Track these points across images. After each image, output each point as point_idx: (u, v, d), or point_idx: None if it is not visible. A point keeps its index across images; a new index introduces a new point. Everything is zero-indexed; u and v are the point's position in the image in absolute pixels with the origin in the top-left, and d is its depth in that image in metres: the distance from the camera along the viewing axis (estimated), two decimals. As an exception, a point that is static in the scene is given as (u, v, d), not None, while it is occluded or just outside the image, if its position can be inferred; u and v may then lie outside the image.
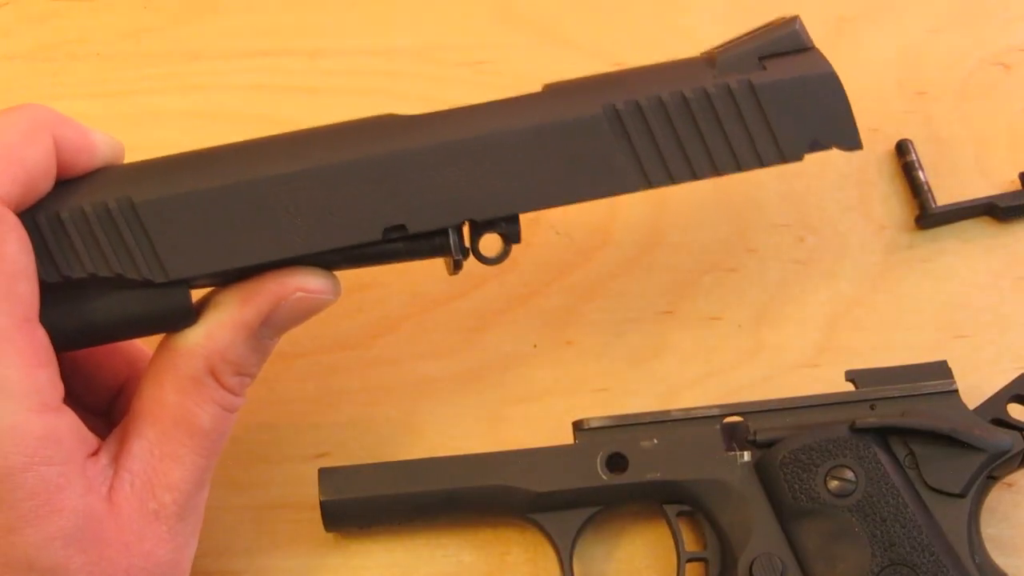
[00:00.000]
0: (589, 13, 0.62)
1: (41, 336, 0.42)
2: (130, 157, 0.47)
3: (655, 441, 0.50)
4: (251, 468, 0.54)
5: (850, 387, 0.52)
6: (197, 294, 0.46)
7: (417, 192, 0.45)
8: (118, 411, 0.48)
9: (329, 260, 0.45)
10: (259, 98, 0.60)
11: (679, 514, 0.51)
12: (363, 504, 0.51)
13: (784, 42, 0.47)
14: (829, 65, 0.47)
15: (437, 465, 0.51)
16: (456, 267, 0.47)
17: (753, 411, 0.51)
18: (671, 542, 0.51)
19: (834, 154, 0.58)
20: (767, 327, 0.56)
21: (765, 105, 0.46)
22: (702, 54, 0.48)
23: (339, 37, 0.62)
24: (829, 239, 0.58)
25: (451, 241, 0.46)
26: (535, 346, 0.56)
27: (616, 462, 0.50)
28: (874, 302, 0.56)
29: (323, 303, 0.46)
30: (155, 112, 0.60)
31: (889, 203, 0.58)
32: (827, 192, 0.58)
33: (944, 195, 0.57)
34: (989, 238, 0.57)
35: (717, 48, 0.48)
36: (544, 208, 0.46)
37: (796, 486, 0.49)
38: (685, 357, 0.55)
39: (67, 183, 0.44)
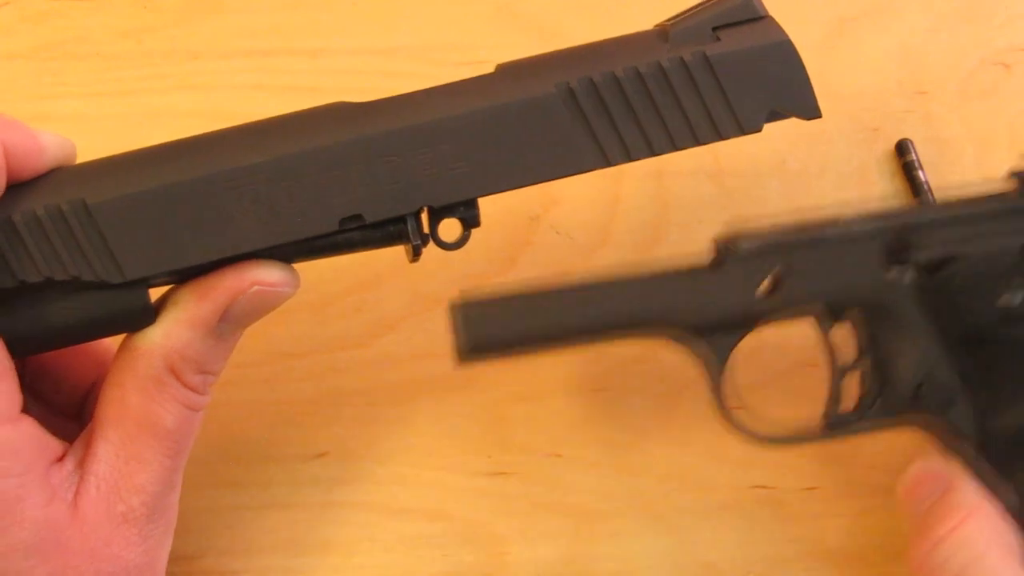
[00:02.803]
0: (589, 13, 0.62)
1: None
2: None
3: (811, 260, 0.47)
4: (251, 468, 0.54)
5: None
6: (158, 294, 0.46)
7: (372, 181, 0.44)
8: (88, 412, 0.48)
9: (286, 253, 0.45)
10: (259, 98, 0.60)
11: (833, 327, 0.47)
12: (504, 337, 0.47)
13: (737, 11, 0.46)
14: (784, 33, 0.46)
15: (582, 294, 0.47)
16: (415, 253, 0.46)
17: (917, 222, 0.47)
18: (825, 360, 0.48)
19: (835, 154, 0.59)
20: (767, 326, 0.56)
21: (720, 76, 0.46)
22: (655, 27, 0.47)
23: (339, 37, 0.62)
24: (829, 239, 0.57)
25: (409, 228, 0.45)
26: (535, 346, 0.56)
27: (770, 283, 0.47)
28: (874, 302, 0.56)
29: (282, 296, 0.45)
30: (155, 112, 0.59)
31: (889, 203, 0.58)
32: (827, 192, 0.58)
33: (944, 195, 0.57)
34: (989, 238, 0.57)
35: (670, 20, 0.47)
36: (501, 191, 0.45)
37: (964, 308, 0.45)
38: (686, 356, 0.55)
39: (18, 187, 0.43)
